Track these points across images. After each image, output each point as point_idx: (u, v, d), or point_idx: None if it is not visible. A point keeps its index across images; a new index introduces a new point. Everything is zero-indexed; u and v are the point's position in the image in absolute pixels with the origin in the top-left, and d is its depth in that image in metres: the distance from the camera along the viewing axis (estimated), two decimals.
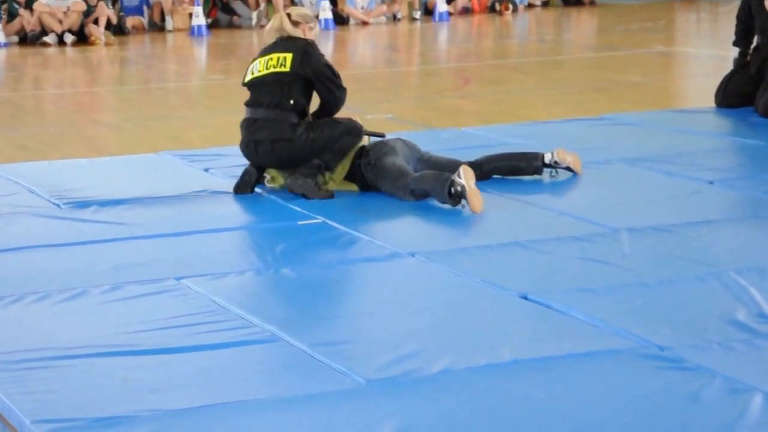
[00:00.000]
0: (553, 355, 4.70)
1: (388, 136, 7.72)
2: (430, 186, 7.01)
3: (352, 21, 18.95)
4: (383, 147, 7.39)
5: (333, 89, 7.42)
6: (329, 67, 7.44)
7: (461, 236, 6.54)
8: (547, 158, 7.53)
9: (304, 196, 7.17)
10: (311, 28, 7.58)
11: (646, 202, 6.99)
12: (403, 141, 7.57)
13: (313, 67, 7.34)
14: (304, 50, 7.36)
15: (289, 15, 7.61)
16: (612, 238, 6.31)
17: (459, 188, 6.83)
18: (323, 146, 7.29)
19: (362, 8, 19.06)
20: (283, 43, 7.48)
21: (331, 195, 7.23)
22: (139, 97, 12.83)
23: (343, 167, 7.42)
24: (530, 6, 21.01)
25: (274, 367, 4.71)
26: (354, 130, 7.41)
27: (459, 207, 6.86)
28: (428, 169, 7.25)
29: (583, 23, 19.40)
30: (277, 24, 7.59)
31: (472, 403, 4.31)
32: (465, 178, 6.85)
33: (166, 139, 9.65)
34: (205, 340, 4.93)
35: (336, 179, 7.44)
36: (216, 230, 6.69)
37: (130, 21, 18.52)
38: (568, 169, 7.58)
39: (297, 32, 7.49)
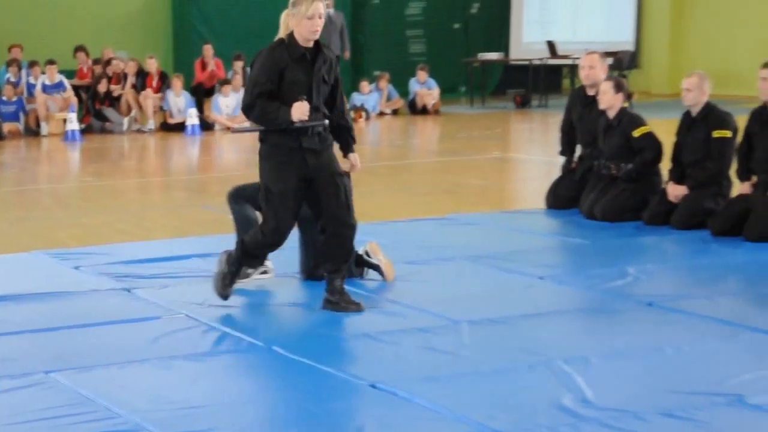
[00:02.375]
0: None
1: None
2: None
3: (217, 126, 18.93)
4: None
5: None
6: (251, 77, 6.63)
7: (315, 327, 6.52)
8: (361, 251, 7.45)
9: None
10: (293, 14, 6.49)
11: (485, 296, 7.07)
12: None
13: None
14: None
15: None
16: (454, 329, 6.37)
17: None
18: None
19: (227, 115, 19.06)
20: None
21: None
22: (13, 198, 12.62)
23: None
24: (381, 114, 21.26)
25: None
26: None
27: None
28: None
29: (428, 130, 19.67)
30: None
31: None
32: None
33: (39, 239, 9.50)
34: (71, 431, 4.85)
35: None
36: (84, 325, 6.58)
37: (7, 126, 18.25)
38: (377, 269, 7.47)
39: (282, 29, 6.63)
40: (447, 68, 22.78)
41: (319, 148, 6.62)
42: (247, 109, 6.58)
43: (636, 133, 9.36)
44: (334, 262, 6.75)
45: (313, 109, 6.54)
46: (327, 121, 6.63)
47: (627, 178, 9.34)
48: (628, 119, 9.45)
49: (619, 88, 9.44)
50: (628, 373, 5.53)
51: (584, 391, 5.22)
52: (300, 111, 6.44)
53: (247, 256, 6.87)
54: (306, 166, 6.58)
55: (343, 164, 6.84)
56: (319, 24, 6.43)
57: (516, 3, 24.69)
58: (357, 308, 6.73)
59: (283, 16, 6.57)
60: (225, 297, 6.87)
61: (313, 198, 6.70)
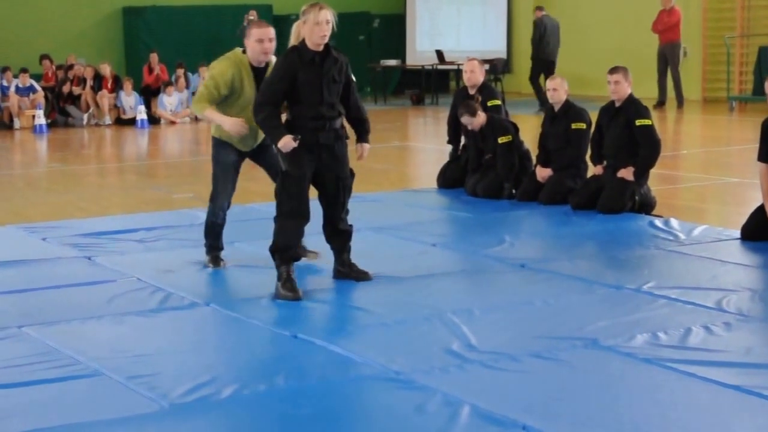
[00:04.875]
0: (318, 382, 4.68)
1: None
2: None
3: (162, 121, 18.69)
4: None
5: None
6: (266, 79, 6.24)
7: (247, 289, 6.43)
8: None
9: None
10: (304, 22, 6.11)
11: (387, 259, 7.04)
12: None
13: None
14: None
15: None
16: (362, 288, 6.32)
17: None
18: None
19: (171, 111, 18.82)
20: None
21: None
22: None
23: None
24: None
25: (96, 396, 4.54)
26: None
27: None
28: None
29: None
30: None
31: (255, 420, 4.27)
32: None
33: (11, 215, 9.29)
34: (39, 375, 4.75)
35: None
36: (51, 287, 6.44)
37: None
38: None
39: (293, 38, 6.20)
40: (354, 72, 22.58)
41: (333, 144, 6.19)
42: (257, 107, 6.07)
43: (501, 140, 9.42)
44: (339, 243, 6.48)
45: (328, 106, 6.13)
46: (339, 121, 6.23)
47: (506, 176, 9.38)
48: (497, 127, 9.48)
49: (472, 113, 9.45)
50: (504, 323, 5.55)
51: (469, 337, 5.23)
52: (285, 144, 6.00)
53: (281, 251, 6.20)
54: (319, 160, 6.16)
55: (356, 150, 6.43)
56: (327, 29, 6.06)
57: (410, 18, 24.68)
58: (366, 277, 6.45)
59: (295, 27, 6.19)
60: (297, 298, 6.05)
61: (317, 188, 6.32)
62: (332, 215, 6.44)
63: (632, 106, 8.64)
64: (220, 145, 6.70)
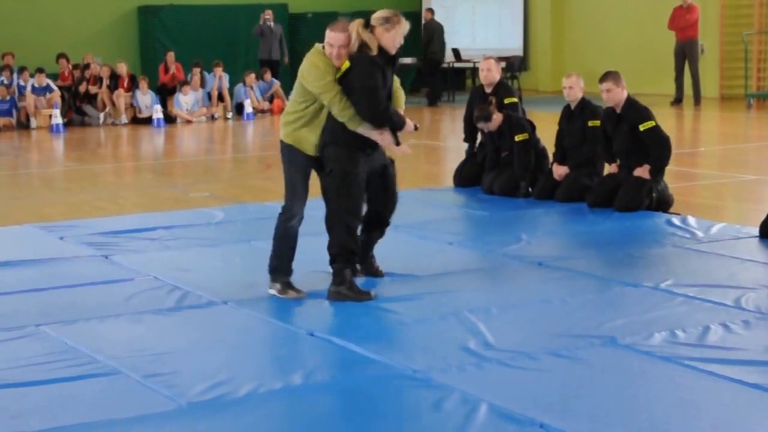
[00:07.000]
0: (335, 380, 4.68)
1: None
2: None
3: (178, 120, 18.74)
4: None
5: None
6: (368, 84, 6.10)
7: (262, 287, 6.44)
8: None
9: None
10: (386, 29, 6.10)
11: (404, 258, 7.03)
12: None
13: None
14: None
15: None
16: (379, 286, 6.30)
17: None
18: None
19: (187, 110, 18.86)
20: None
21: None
22: (7, 180, 12.36)
23: None
24: None
25: (114, 394, 4.56)
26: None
27: None
28: None
29: None
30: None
31: (272, 418, 4.27)
32: None
33: (30, 214, 9.33)
34: (58, 374, 4.77)
35: None
36: (69, 286, 6.47)
37: (1, 121, 17.92)
38: None
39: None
40: None
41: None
42: (385, 111, 6.09)
43: (517, 138, 9.41)
44: (376, 237, 6.51)
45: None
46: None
47: (522, 174, 9.38)
48: (514, 125, 9.48)
49: (487, 119, 9.44)
50: (521, 321, 5.55)
51: (486, 336, 5.23)
52: (409, 127, 6.35)
53: (347, 252, 6.13)
54: (367, 157, 6.19)
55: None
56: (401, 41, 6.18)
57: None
58: (379, 274, 6.53)
59: (360, 28, 6.08)
60: (369, 297, 6.07)
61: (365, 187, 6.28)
62: (384, 208, 6.41)
63: (632, 111, 8.58)
64: (292, 150, 6.30)
